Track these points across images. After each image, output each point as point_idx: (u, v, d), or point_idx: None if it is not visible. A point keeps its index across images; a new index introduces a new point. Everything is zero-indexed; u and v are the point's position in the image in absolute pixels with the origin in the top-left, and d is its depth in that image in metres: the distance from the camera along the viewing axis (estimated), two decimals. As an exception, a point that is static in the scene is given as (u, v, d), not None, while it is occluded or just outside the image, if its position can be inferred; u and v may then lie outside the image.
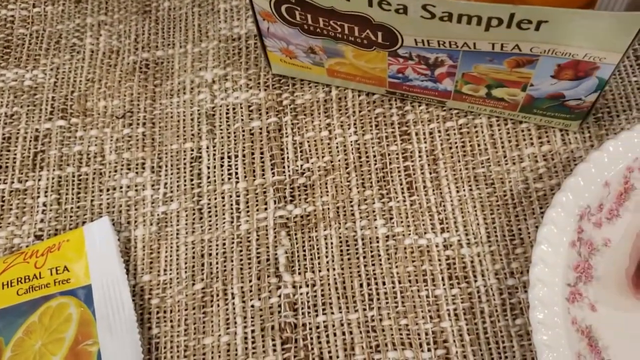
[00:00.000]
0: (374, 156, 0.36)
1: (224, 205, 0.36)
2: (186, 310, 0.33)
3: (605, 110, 0.37)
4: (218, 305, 0.33)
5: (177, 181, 0.37)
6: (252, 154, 0.37)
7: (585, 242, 0.32)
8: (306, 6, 0.31)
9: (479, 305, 0.33)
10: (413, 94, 0.36)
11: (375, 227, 0.35)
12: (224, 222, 0.35)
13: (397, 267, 0.34)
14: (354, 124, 0.37)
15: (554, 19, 0.28)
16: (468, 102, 0.36)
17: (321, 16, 0.31)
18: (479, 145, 0.36)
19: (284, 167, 0.37)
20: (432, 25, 0.29)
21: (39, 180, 0.37)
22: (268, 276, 0.34)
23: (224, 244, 0.35)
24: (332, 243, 0.35)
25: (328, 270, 0.34)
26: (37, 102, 0.39)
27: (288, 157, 0.37)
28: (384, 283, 0.33)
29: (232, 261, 0.34)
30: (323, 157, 0.37)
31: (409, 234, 0.34)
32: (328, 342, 0.32)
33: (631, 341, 0.31)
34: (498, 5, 0.27)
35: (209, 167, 0.37)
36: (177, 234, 0.35)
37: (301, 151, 0.37)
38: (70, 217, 0.36)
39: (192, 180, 0.37)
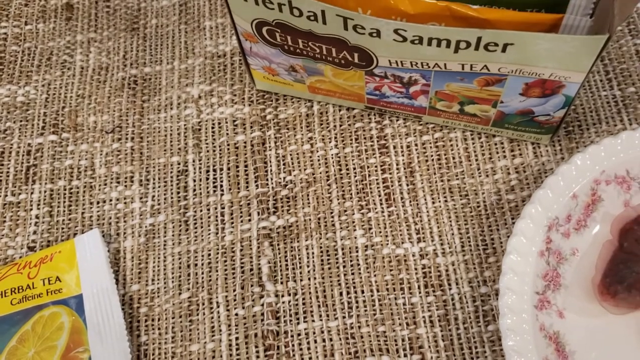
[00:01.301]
0: (354, 169, 0.38)
1: (209, 217, 0.37)
2: (173, 318, 0.35)
3: (575, 124, 0.38)
4: (204, 314, 0.35)
5: (165, 194, 0.38)
6: (237, 167, 0.39)
7: (553, 251, 0.34)
8: (285, 28, 0.32)
9: (453, 312, 0.34)
10: (391, 109, 0.38)
11: (355, 237, 0.36)
12: (209, 234, 0.37)
13: (375, 275, 0.35)
14: (335, 137, 0.39)
15: (519, 41, 0.29)
16: (443, 117, 0.37)
17: (300, 38, 0.32)
18: (453, 158, 0.38)
19: (267, 180, 0.38)
20: (404, 48, 0.31)
21: (32, 193, 0.39)
22: (251, 285, 0.35)
23: (209, 255, 0.36)
24: (313, 253, 0.36)
25: (309, 279, 0.35)
26: (30, 118, 0.41)
27: (271, 170, 0.38)
28: (362, 291, 0.35)
29: (217, 271, 0.36)
30: (305, 169, 0.38)
31: (387, 244, 0.36)
32: (309, 348, 0.34)
33: (597, 346, 0.32)
34: (466, 29, 0.29)
35: (195, 180, 0.38)
36: (164, 245, 0.37)
37: (284, 164, 0.38)
38: (62, 229, 0.38)
39: (178, 192, 0.38)
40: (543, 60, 0.30)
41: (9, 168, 0.40)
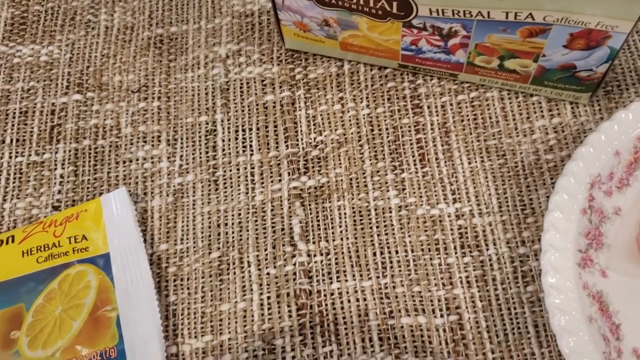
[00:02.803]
0: (386, 129, 0.37)
1: (239, 177, 0.36)
2: (203, 278, 0.34)
3: (614, 84, 0.37)
4: (234, 273, 0.34)
5: (193, 153, 0.37)
6: (266, 127, 0.38)
7: (596, 210, 0.33)
8: (322, -24, 0.31)
9: (490, 273, 0.33)
10: (425, 67, 0.37)
11: (388, 198, 0.35)
12: (239, 193, 0.36)
13: (409, 236, 0.34)
14: (367, 97, 0.38)
15: (567, -14, 0.28)
16: (480, 74, 0.36)
17: (336, -13, 0.31)
18: (490, 117, 0.37)
19: (297, 140, 0.37)
20: (447, -6, 0.30)
21: (56, 152, 0.38)
22: (283, 245, 0.34)
23: (240, 214, 0.35)
24: (345, 213, 0.35)
25: (342, 239, 0.34)
26: (53, 77, 0.40)
27: (301, 130, 0.37)
28: (396, 252, 0.34)
29: (247, 231, 0.35)
30: (336, 130, 0.37)
31: (422, 204, 0.35)
32: (342, 308, 0.33)
33: (641, 306, 0.31)
34: (512, -28, 0.28)
35: (223, 140, 0.37)
36: (194, 204, 0.36)
37: (314, 124, 0.37)
38: (87, 188, 0.37)
39: (207, 152, 0.37)
40: (591, 7, 0.29)
41: (32, 128, 0.39)
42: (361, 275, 0.34)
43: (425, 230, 0.34)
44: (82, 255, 0.34)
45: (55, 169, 0.38)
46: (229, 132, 0.38)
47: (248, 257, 0.34)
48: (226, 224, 0.35)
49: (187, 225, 0.35)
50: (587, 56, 0.33)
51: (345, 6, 0.33)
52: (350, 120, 0.37)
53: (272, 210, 0.35)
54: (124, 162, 0.37)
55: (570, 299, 0.30)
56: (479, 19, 0.31)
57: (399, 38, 0.34)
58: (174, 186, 0.36)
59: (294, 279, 0.34)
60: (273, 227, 0.35)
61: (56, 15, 0.42)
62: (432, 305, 0.33)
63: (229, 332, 0.33)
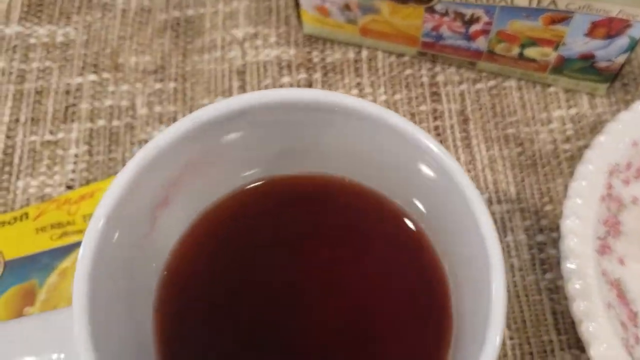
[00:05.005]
0: (404, 115, 0.37)
1: (255, 160, 0.36)
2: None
3: (631, 77, 0.37)
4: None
5: (209, 136, 0.37)
6: (283, 111, 0.37)
7: (614, 198, 0.33)
8: (347, -42, 0.31)
9: (508, 260, 0.33)
10: (444, 55, 0.37)
11: (405, 184, 0.35)
12: (255, 176, 0.36)
13: (426, 222, 0.34)
14: (384, 84, 0.38)
15: (593, -28, 0.28)
16: (499, 63, 0.36)
17: (361, -31, 0.31)
18: (508, 107, 0.37)
19: (314, 125, 0.37)
20: (473, -23, 0.30)
21: (70, 132, 0.38)
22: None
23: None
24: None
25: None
26: (69, 58, 0.40)
27: (318, 115, 0.37)
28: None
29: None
30: (353, 115, 0.37)
31: (439, 191, 0.35)
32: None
33: (658, 295, 0.31)
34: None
35: (240, 123, 0.37)
36: (209, 186, 0.36)
37: (331, 110, 0.37)
38: (102, 168, 0.37)
39: (223, 135, 0.37)
40: (615, -6, 0.29)
41: (47, 107, 0.38)
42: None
43: (442, 217, 0.34)
44: (97, 233, 0.34)
45: (69, 148, 0.37)
46: (246, 116, 0.37)
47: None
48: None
49: (203, 207, 0.35)
50: (607, 45, 0.33)
51: (369, -11, 0.33)
52: (367, 107, 0.37)
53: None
54: (139, 142, 0.37)
55: (589, 285, 0.30)
56: (502, 5, 0.31)
57: (420, 23, 0.34)
58: (190, 168, 0.36)
59: None
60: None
61: (72, -4, 0.42)
62: (449, 290, 0.33)
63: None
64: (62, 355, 0.20)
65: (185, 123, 0.20)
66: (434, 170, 0.21)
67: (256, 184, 0.24)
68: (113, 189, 0.19)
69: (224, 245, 0.24)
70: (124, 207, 0.19)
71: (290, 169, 0.24)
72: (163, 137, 0.20)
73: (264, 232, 0.24)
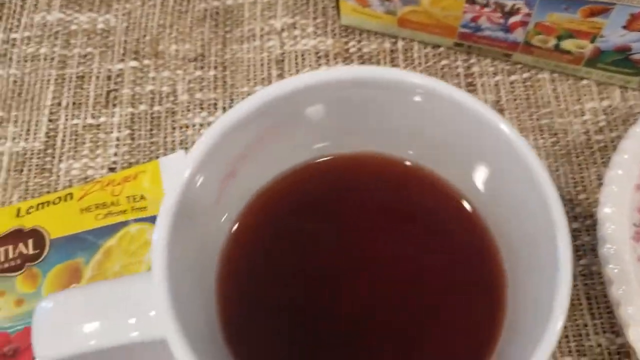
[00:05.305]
0: (440, 105, 0.38)
1: (294, 146, 0.37)
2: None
3: (662, 71, 0.38)
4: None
5: (248, 122, 0.38)
6: (320, 99, 0.38)
7: (648, 187, 0.33)
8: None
9: (543, 246, 0.34)
10: (480, 46, 0.38)
11: (441, 172, 0.36)
12: (294, 161, 0.37)
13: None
14: (420, 73, 0.38)
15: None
16: (534, 55, 0.37)
17: (405, -41, 0.32)
18: (542, 98, 0.38)
19: (351, 113, 0.38)
20: (517, -32, 0.30)
21: (112, 116, 0.38)
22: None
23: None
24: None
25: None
26: (110, 45, 0.41)
27: (355, 104, 0.38)
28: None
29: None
30: (389, 105, 0.38)
31: (474, 179, 0.36)
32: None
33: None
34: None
35: (278, 110, 0.38)
36: (249, 170, 0.36)
37: (368, 99, 0.38)
38: (144, 151, 0.37)
39: (262, 121, 0.38)
40: (656, -14, 0.30)
41: (89, 92, 0.39)
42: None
43: (478, 204, 0.35)
44: (141, 214, 0.35)
45: (112, 132, 0.38)
46: (284, 103, 0.38)
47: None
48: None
49: (243, 190, 0.36)
50: (644, 38, 0.33)
51: (411, -21, 0.34)
52: (403, 96, 0.38)
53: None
54: (181, 127, 0.38)
55: (626, 270, 0.31)
56: (543, -4, 0.32)
57: (460, 14, 0.35)
58: (230, 152, 0.37)
59: None
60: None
61: (113, -16, 0.43)
62: (485, 275, 0.33)
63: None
64: (133, 320, 0.20)
65: (262, 95, 0.21)
66: (501, 149, 0.22)
67: (321, 159, 0.25)
68: (198, 147, 0.20)
69: (285, 218, 0.24)
70: (201, 169, 0.20)
71: (355, 147, 0.25)
72: (243, 105, 0.20)
73: (325, 208, 0.25)
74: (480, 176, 0.24)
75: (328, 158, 0.25)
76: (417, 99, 0.22)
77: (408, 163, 0.25)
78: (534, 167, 0.21)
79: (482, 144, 0.23)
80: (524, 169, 0.21)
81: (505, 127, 0.21)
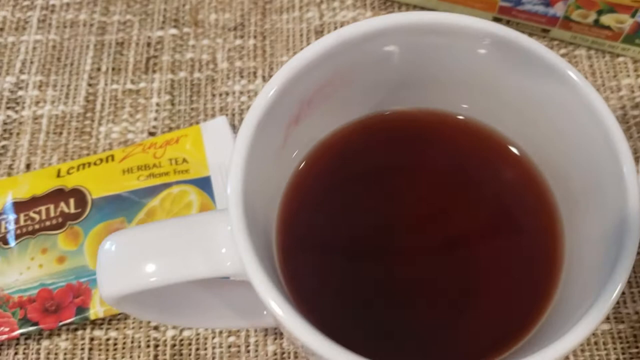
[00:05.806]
0: (477, 79, 0.38)
1: (333, 115, 0.37)
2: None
3: (696, 51, 0.39)
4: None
5: (288, 90, 0.38)
6: (359, 70, 0.39)
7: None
8: None
9: (580, 217, 0.34)
10: (519, 21, 0.38)
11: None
12: (333, 130, 0.37)
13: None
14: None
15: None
16: (573, 30, 0.37)
17: None
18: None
19: (389, 84, 0.38)
20: (567, -63, 0.31)
21: (152, 82, 0.39)
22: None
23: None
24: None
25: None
26: (150, 12, 0.41)
27: (393, 76, 0.38)
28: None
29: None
30: (427, 77, 0.38)
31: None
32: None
33: None
34: None
35: (317, 80, 0.38)
36: (289, 137, 0.37)
37: (406, 71, 0.38)
38: (184, 117, 0.38)
39: (302, 90, 0.38)
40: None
41: (129, 58, 0.40)
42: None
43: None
44: (183, 176, 0.35)
45: (151, 97, 0.38)
46: (323, 73, 0.39)
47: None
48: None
49: (284, 156, 0.36)
50: (685, 13, 0.34)
51: (457, -50, 0.34)
52: (440, 70, 0.38)
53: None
54: (220, 94, 0.38)
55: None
56: (589, -32, 0.33)
57: (502, -13, 0.36)
58: (270, 119, 0.37)
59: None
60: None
61: (152, -46, 0.43)
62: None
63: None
64: (224, 250, 0.20)
65: (330, 39, 0.21)
66: (565, 97, 0.22)
67: (379, 113, 0.25)
68: (281, 72, 0.20)
69: (342, 169, 0.25)
70: (273, 108, 0.20)
71: (411, 101, 0.25)
72: (313, 47, 0.21)
73: (380, 160, 0.25)
74: (539, 125, 0.25)
75: (387, 113, 0.25)
76: (483, 50, 0.23)
77: (461, 117, 0.26)
78: (602, 113, 0.21)
79: (542, 90, 0.23)
80: (591, 114, 0.21)
81: (572, 73, 0.22)
